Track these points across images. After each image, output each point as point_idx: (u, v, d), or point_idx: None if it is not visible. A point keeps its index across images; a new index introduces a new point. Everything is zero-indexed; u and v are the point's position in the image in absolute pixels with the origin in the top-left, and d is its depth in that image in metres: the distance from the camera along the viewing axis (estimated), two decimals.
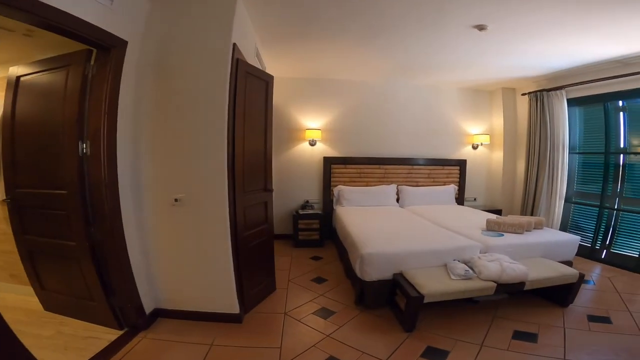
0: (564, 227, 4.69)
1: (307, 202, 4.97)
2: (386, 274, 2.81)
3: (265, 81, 3.00)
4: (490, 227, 3.49)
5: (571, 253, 3.34)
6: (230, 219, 2.50)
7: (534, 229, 3.52)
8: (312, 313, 2.81)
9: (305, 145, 4.98)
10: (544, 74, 4.51)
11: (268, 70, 4.05)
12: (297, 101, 4.94)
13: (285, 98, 4.90)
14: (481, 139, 5.29)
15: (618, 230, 4.16)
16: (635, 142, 4.09)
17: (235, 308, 2.56)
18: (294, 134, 4.94)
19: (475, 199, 5.52)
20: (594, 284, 3.51)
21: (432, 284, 2.49)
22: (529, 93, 4.89)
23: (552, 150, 4.64)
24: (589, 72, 4.20)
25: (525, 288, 2.64)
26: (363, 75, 4.85)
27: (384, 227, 3.52)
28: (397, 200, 5.01)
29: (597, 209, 4.32)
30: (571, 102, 4.59)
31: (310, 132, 4.83)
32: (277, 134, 4.85)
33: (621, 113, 4.20)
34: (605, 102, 4.27)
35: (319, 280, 3.51)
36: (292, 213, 4.80)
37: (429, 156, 5.26)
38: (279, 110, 4.86)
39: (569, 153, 4.62)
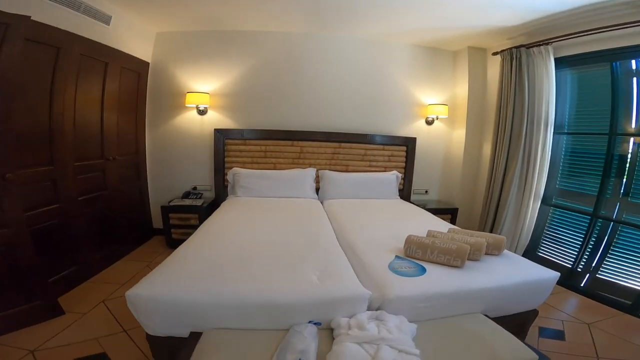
0: (536, 241, 3.32)
1: (195, 188, 3.61)
2: (179, 329, 1.52)
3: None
4: (411, 253, 2.04)
5: (541, 297, 1.98)
6: None
7: (488, 254, 2.13)
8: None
9: (193, 115, 3.54)
10: (523, 23, 2.97)
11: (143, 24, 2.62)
12: (185, 60, 3.49)
13: (168, 56, 3.48)
14: (437, 110, 3.80)
15: (612, 249, 2.78)
16: None
17: None
18: (177, 101, 3.50)
19: (426, 192, 4.10)
20: (565, 336, 2.18)
21: None
22: (502, 51, 3.39)
23: (530, 129, 3.17)
24: (588, 19, 2.70)
25: None
26: (276, 23, 3.36)
27: (246, 238, 2.18)
28: (318, 190, 3.65)
29: (589, 217, 2.93)
30: (561, 63, 3.07)
31: (194, 97, 3.37)
32: (157, 101, 3.50)
33: (635, 79, 2.72)
34: (614, 63, 2.78)
35: None
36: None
37: (365, 131, 3.81)
38: (159, 72, 3.47)
39: (554, 133, 3.17)
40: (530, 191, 3.13)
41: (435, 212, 3.64)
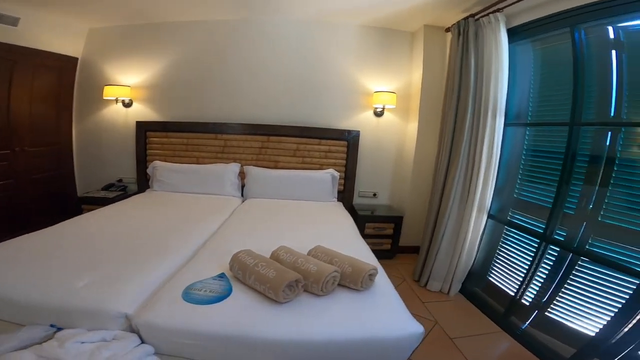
0: (487, 263, 2.59)
1: (121, 180, 3.46)
2: None
3: None
4: (235, 273, 1.57)
5: None
6: None
7: (345, 286, 1.54)
8: None
9: (118, 108, 3.36)
10: None
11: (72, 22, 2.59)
12: (114, 54, 3.32)
13: (98, 51, 3.34)
14: (383, 99, 3.16)
15: (568, 284, 1.99)
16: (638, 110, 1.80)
17: None
18: (103, 94, 3.32)
19: (375, 195, 3.49)
20: None
21: None
22: (452, 26, 2.66)
23: (475, 120, 2.45)
24: None
25: None
26: (203, 12, 3.07)
27: (93, 231, 1.98)
28: (243, 188, 3.27)
29: (537, 242, 2.16)
30: (515, 35, 2.31)
31: (113, 90, 3.19)
32: (84, 95, 3.41)
33: (613, 52, 1.88)
34: (575, 28, 1.98)
35: None
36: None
37: (298, 122, 3.31)
38: (87, 66, 3.37)
39: (506, 125, 2.41)
40: (473, 200, 2.41)
41: (375, 220, 3.08)
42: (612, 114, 1.88)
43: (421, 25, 3.08)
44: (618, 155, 1.81)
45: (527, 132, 2.36)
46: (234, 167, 3.22)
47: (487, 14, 2.32)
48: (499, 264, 2.50)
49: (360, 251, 1.96)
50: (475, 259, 2.59)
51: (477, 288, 2.62)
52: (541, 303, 2.07)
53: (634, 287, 1.56)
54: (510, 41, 2.29)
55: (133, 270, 1.55)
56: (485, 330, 2.22)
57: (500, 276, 2.45)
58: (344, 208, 3.04)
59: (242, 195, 3.23)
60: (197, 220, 2.36)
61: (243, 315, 1.31)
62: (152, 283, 1.52)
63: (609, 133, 1.88)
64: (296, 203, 3.02)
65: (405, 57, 3.29)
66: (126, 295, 1.37)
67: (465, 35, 2.48)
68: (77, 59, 3.37)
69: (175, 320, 1.26)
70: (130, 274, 1.52)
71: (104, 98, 3.24)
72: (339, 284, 1.54)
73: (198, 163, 3.29)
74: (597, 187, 1.88)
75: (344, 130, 3.27)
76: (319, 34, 3.24)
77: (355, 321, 1.33)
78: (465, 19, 2.49)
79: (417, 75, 3.17)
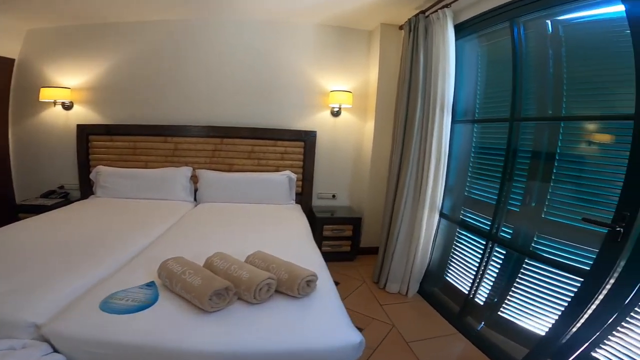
0: (444, 262, 2.55)
1: (62, 187, 3.20)
2: None
3: None
4: (163, 281, 1.44)
5: None
6: None
7: (282, 293, 1.43)
8: None
9: (57, 110, 3.11)
10: None
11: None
12: (55, 55, 3.08)
13: (38, 52, 3.10)
14: (339, 98, 3.10)
15: (517, 283, 1.96)
16: (578, 105, 1.79)
17: None
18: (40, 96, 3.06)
19: (334, 196, 3.41)
20: None
21: None
22: (405, 23, 2.62)
23: (425, 117, 2.41)
24: None
25: None
26: (151, 11, 2.91)
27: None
28: (196, 192, 3.11)
29: (484, 241, 2.13)
30: (463, 31, 2.29)
31: (52, 92, 2.95)
32: (21, 98, 3.15)
33: (552, 46, 1.87)
34: (514, 22, 1.97)
35: None
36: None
37: (253, 124, 3.18)
38: (25, 68, 3.11)
39: (454, 122, 2.38)
40: (424, 199, 2.37)
41: (333, 222, 3.00)
42: (550, 109, 1.87)
43: (378, 24, 3.03)
44: (558, 151, 1.79)
45: (475, 129, 2.35)
46: (186, 171, 3.05)
47: (436, 10, 2.29)
48: (454, 263, 2.46)
49: (308, 256, 1.87)
50: (430, 259, 2.55)
51: (435, 288, 2.57)
52: (493, 303, 2.04)
53: (578, 286, 1.53)
54: (457, 37, 2.26)
55: (54, 279, 1.42)
56: (441, 333, 2.17)
57: (456, 276, 2.42)
58: (301, 211, 2.93)
59: (195, 199, 3.07)
60: (139, 227, 2.21)
61: (165, 324, 1.20)
62: (73, 292, 1.40)
63: (548, 128, 1.87)
64: (251, 207, 2.89)
65: (363, 56, 3.24)
66: (39, 305, 1.26)
67: (416, 32, 2.44)
68: (13, 60, 3.11)
69: (87, 330, 1.16)
70: (49, 282, 1.39)
71: (40, 100, 2.99)
72: (277, 291, 1.44)
73: (147, 167, 3.10)
74: (539, 184, 1.87)
75: (301, 131, 3.17)
76: (275, 34, 3.14)
77: (289, 331, 1.22)
78: (416, 15, 2.45)
79: (374, 74, 3.12)
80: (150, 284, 1.46)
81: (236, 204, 2.93)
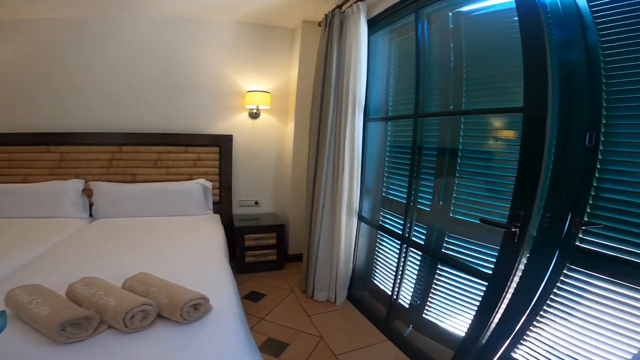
0: (370, 266, 2.47)
1: None
2: None
3: None
4: (12, 309, 1.15)
5: None
6: None
7: (168, 318, 1.21)
8: None
9: None
10: None
11: None
12: None
13: None
14: (256, 99, 2.89)
15: (435, 285, 1.91)
16: (477, 100, 1.79)
17: None
18: None
19: (257, 203, 3.20)
20: None
21: None
22: (323, 19, 2.52)
23: (337, 116, 2.32)
24: None
25: None
26: (40, 8, 2.43)
27: None
28: (92, 207, 2.67)
29: (399, 242, 2.08)
30: (376, 25, 2.24)
31: None
32: None
33: (451, 43, 1.87)
34: (418, 14, 1.95)
35: None
36: None
37: (162, 129, 2.83)
38: None
39: (368, 120, 2.32)
40: (342, 202, 2.26)
41: (255, 231, 2.78)
42: (452, 104, 1.85)
43: (300, 21, 2.88)
44: (460, 147, 1.78)
45: (389, 127, 2.30)
46: (75, 184, 2.59)
47: (351, 5, 2.20)
48: (379, 266, 2.38)
49: (213, 273, 1.67)
50: (355, 263, 2.45)
51: (364, 292, 2.47)
52: (417, 305, 1.97)
53: (485, 287, 1.48)
54: (371, 32, 2.19)
55: None
56: (370, 341, 2.06)
57: (381, 279, 2.34)
58: (218, 221, 2.66)
59: (90, 215, 2.63)
60: (7, 250, 1.80)
61: (12, 357, 1.00)
62: None
63: (451, 124, 1.85)
64: (160, 220, 2.55)
65: (285, 55, 3.07)
66: None
67: (331, 27, 2.32)
68: None
69: None
70: None
71: None
72: (163, 316, 1.23)
73: (26, 182, 2.58)
74: (445, 181, 1.85)
75: (216, 135, 2.90)
76: (188, 32, 2.83)
77: None
78: (333, 10, 2.34)
79: (295, 73, 2.97)
80: (1, 314, 1.15)
81: (142, 218, 2.57)
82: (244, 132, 3.02)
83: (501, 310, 1.31)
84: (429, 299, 1.89)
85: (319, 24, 2.66)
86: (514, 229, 1.19)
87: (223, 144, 2.90)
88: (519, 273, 1.25)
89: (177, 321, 1.20)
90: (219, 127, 2.96)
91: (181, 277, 1.45)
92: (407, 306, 2.06)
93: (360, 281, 2.50)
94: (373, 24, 2.22)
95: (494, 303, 1.31)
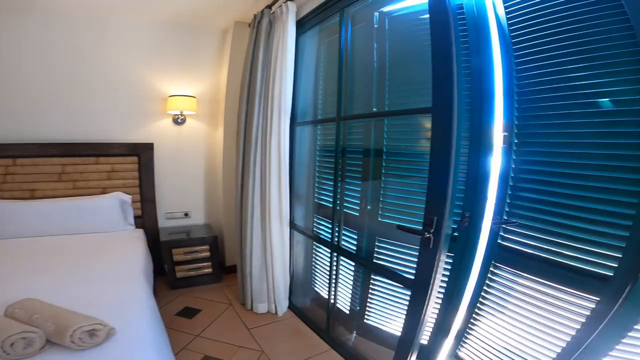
0: (308, 274, 2.38)
1: None
2: None
3: None
4: None
5: None
6: None
7: (59, 343, 1.08)
8: None
9: None
10: None
11: None
12: None
13: None
14: (180, 104, 2.69)
15: (371, 293, 1.90)
16: (399, 101, 1.83)
17: None
18: None
19: (187, 214, 3.00)
20: None
21: None
22: (252, 19, 2.42)
23: (263, 120, 2.23)
24: None
25: None
26: None
27: None
28: None
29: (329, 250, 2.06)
30: (304, 25, 2.18)
31: None
32: None
33: (375, 44, 1.90)
34: (342, 13, 1.93)
35: None
36: None
37: (68, 139, 2.48)
38: None
39: (296, 124, 2.29)
40: (272, 210, 2.18)
41: (183, 244, 2.56)
42: (375, 106, 1.86)
43: (232, 22, 2.73)
44: (385, 150, 1.80)
45: (318, 131, 2.28)
46: None
47: (281, 4, 2.12)
48: (317, 275, 2.34)
49: (122, 293, 1.53)
50: (292, 272, 2.39)
51: (306, 301, 2.41)
52: (357, 311, 1.95)
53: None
54: (300, 33, 2.14)
55: None
56: (313, 352, 1.99)
57: (321, 287, 2.29)
58: (140, 236, 2.41)
59: None
60: None
61: None
62: None
63: (375, 127, 1.87)
64: (69, 239, 2.24)
65: (215, 57, 2.89)
66: None
67: (259, 28, 2.23)
68: None
69: None
70: None
71: None
72: (56, 343, 1.12)
73: None
74: (371, 183, 1.86)
75: (132, 144, 2.63)
76: (100, 32, 2.51)
77: None
78: (262, 10, 2.24)
79: (224, 76, 2.81)
80: None
81: (48, 238, 2.24)
82: (168, 139, 2.78)
83: (429, 312, 1.26)
84: (367, 304, 1.88)
85: (249, 25, 2.57)
86: (427, 235, 1.15)
87: (142, 152, 2.64)
88: (439, 277, 1.21)
89: (73, 349, 1.09)
90: (137, 135, 2.69)
91: (84, 301, 1.33)
92: (347, 312, 2.04)
93: (302, 290, 2.44)
94: (302, 24, 2.17)
95: (419, 308, 1.25)
